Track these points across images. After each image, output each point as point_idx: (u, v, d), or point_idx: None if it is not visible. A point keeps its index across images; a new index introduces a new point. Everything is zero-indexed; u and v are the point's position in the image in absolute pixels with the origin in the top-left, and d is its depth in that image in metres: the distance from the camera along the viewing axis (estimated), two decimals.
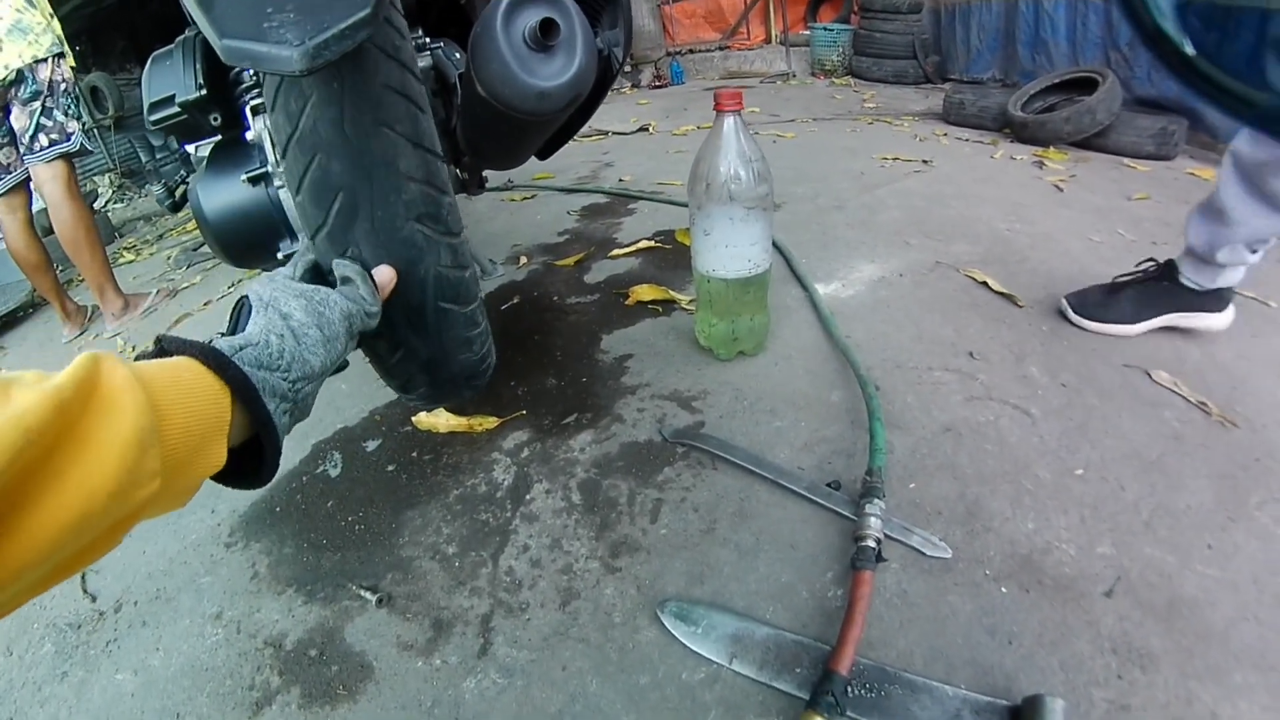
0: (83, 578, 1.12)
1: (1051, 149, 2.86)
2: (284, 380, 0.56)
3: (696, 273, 1.19)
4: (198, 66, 0.93)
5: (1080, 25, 3.82)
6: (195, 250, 3.48)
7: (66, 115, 2.29)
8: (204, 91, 0.92)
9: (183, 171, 1.30)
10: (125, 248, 4.31)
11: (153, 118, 0.93)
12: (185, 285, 2.75)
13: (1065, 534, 0.85)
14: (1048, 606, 0.76)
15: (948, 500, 0.91)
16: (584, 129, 1.38)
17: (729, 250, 1.11)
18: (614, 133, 3.74)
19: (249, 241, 0.99)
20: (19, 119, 2.24)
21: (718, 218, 1.08)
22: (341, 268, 0.73)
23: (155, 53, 1.00)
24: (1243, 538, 0.85)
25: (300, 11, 0.58)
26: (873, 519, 0.81)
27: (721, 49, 6.37)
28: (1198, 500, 0.91)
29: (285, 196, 0.96)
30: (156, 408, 0.43)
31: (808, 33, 5.68)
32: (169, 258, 3.52)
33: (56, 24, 2.24)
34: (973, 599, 0.78)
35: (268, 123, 0.90)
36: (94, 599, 1.06)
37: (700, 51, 6.40)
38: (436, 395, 0.99)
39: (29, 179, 2.35)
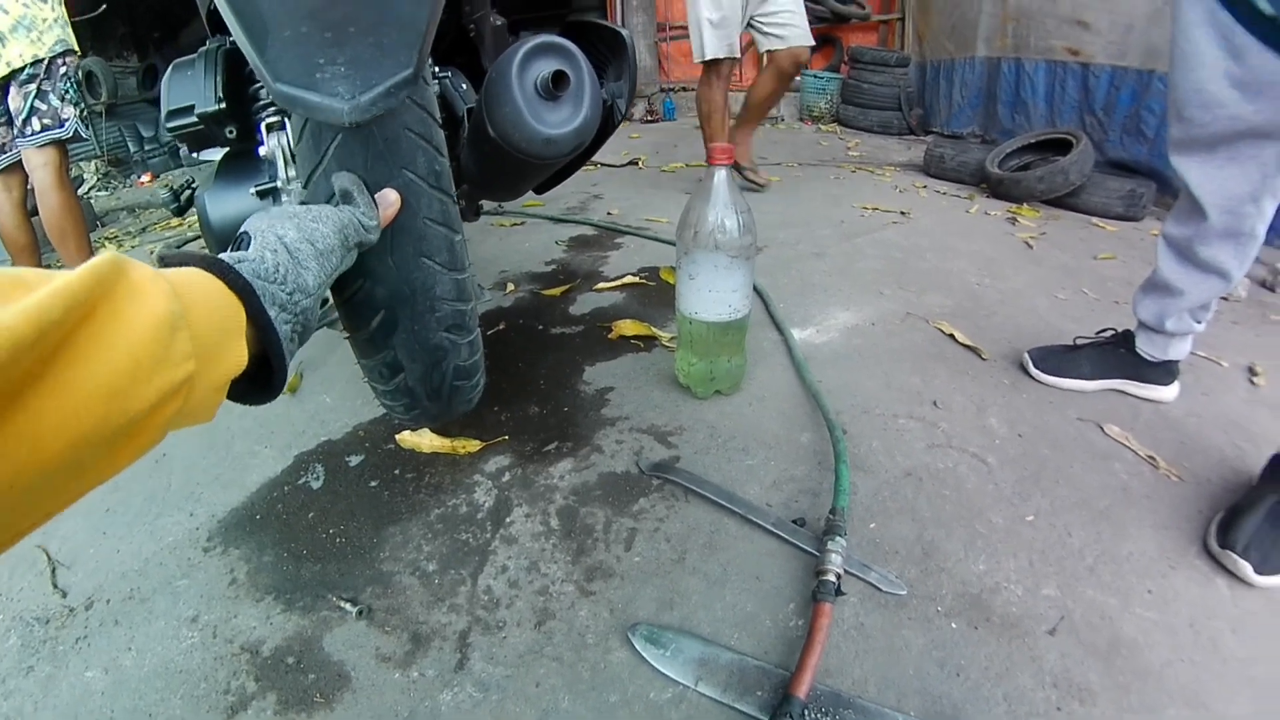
0: (52, 572, 1.12)
1: (1025, 206, 2.97)
2: (282, 291, 0.58)
3: (679, 313, 1.25)
4: (218, 80, 0.96)
5: (1058, 88, 3.98)
6: (179, 248, 3.47)
7: (63, 100, 2.23)
8: (223, 105, 0.95)
9: (189, 176, 1.32)
10: (107, 237, 4.25)
11: (170, 125, 0.96)
12: None
13: (1014, 575, 0.91)
14: (994, 642, 0.81)
15: (905, 541, 0.96)
16: None
17: (712, 295, 1.17)
18: (604, 165, 3.82)
19: None
20: (14, 99, 2.18)
21: (703, 263, 1.15)
22: (340, 179, 0.74)
23: (176, 61, 1.03)
24: (1182, 584, 0.92)
25: (351, 65, 0.63)
26: (834, 555, 0.86)
27: None
28: (1141, 548, 0.97)
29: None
30: (181, 299, 0.43)
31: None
32: (152, 252, 3.48)
33: (64, 15, 2.22)
34: (925, 633, 0.83)
35: (280, 139, 0.96)
36: (64, 594, 1.06)
37: (693, 89, 6.53)
38: (429, 416, 1.03)
39: (21, 162, 2.28)
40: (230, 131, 0.99)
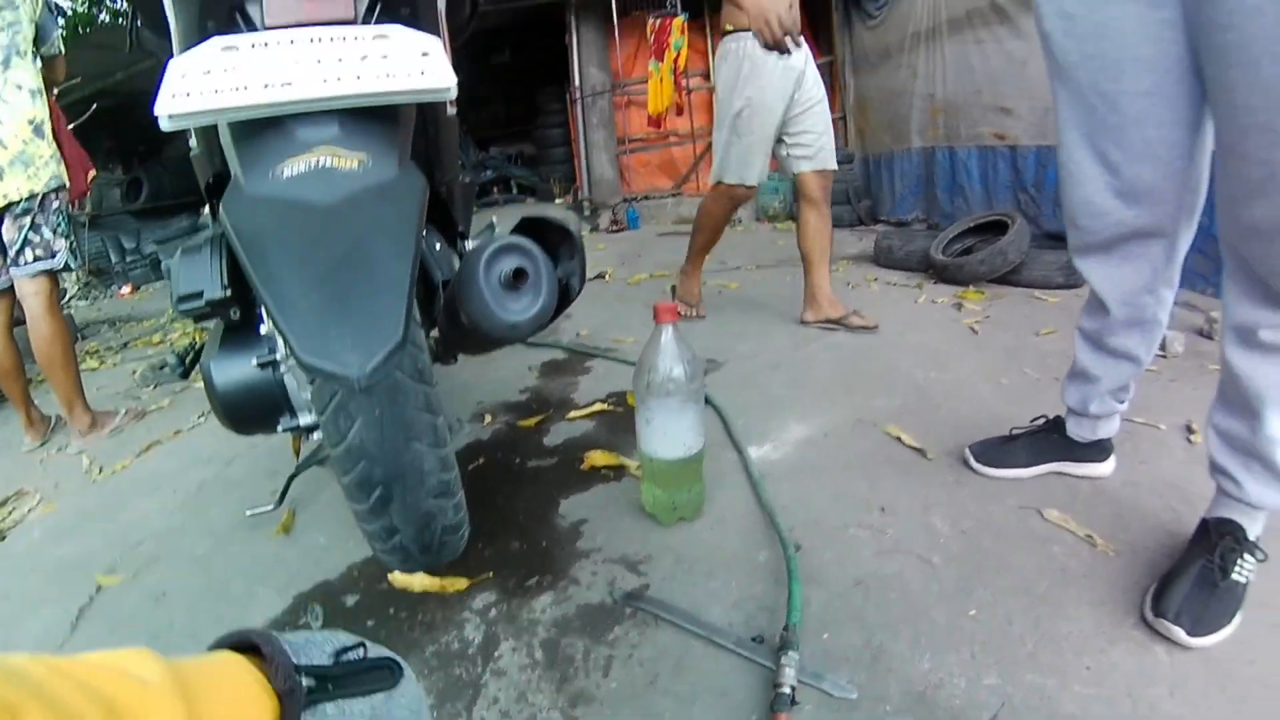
0: None
1: (970, 289, 3.14)
2: None
3: (640, 452, 1.37)
4: (223, 269, 1.09)
5: (991, 171, 4.22)
6: (160, 369, 3.46)
7: (55, 233, 2.33)
8: (229, 293, 1.08)
9: (192, 342, 1.47)
10: (89, 351, 4.33)
11: (182, 308, 1.08)
12: (154, 407, 2.79)
13: (957, 669, 0.98)
14: None
15: (855, 647, 1.04)
16: None
17: (667, 436, 1.29)
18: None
19: (255, 415, 1.18)
20: (9, 231, 2.28)
21: (657, 409, 1.28)
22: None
23: (185, 246, 1.15)
24: (1119, 656, 0.99)
25: (355, 336, 0.79)
26: (788, 669, 0.95)
27: (674, 195, 6.85)
28: (1078, 627, 1.05)
29: (290, 381, 1.15)
30: None
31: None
32: (135, 372, 3.54)
33: (58, 153, 2.34)
34: None
35: None
36: None
37: (654, 198, 6.89)
38: (421, 566, 1.15)
39: (11, 287, 2.38)
40: (234, 313, 1.13)
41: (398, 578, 1.33)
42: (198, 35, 0.94)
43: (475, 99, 9.56)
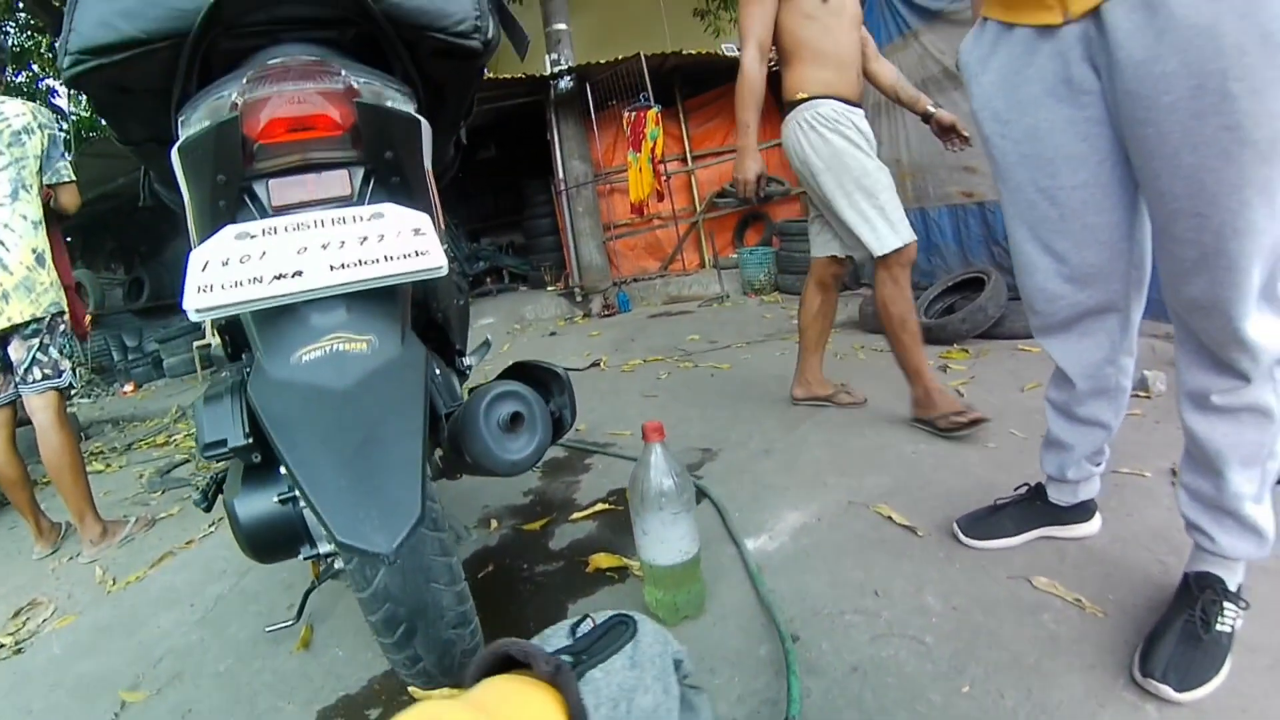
0: None
1: (954, 348, 3.23)
2: None
3: (641, 559, 1.44)
4: (244, 417, 1.17)
5: (963, 227, 4.33)
6: (167, 474, 3.57)
7: (61, 354, 2.50)
8: (250, 440, 1.15)
9: (215, 475, 1.56)
10: (93, 453, 4.42)
11: (207, 455, 1.16)
12: (163, 515, 2.86)
13: None
14: None
15: None
16: None
17: (664, 545, 1.37)
18: (570, 369, 4.11)
19: (277, 546, 1.26)
20: (17, 351, 2.45)
21: (651, 521, 1.36)
22: (693, 695, 0.78)
23: (207, 394, 1.23)
24: (1110, 719, 1.04)
25: (381, 518, 0.89)
26: None
27: (661, 276, 7.04)
28: (1069, 694, 1.09)
29: (309, 514, 1.23)
30: None
31: (736, 256, 6.37)
32: (141, 476, 3.62)
33: (58, 281, 2.51)
34: None
35: None
36: None
37: (643, 280, 7.08)
38: (443, 684, 1.23)
39: (14, 401, 2.53)
40: (256, 457, 1.20)
41: (418, 692, 1.38)
42: (210, 212, 1.06)
43: (465, 193, 9.95)
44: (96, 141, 9.27)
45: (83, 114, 12.30)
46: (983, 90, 1.24)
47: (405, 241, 1.00)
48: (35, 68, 11.55)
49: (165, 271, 10.01)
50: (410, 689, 1.38)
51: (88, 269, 9.92)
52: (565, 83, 6.86)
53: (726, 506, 1.90)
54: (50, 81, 12.04)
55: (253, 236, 0.97)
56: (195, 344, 7.66)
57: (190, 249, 1.02)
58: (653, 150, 6.09)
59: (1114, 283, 1.21)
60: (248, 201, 1.07)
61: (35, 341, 2.46)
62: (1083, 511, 1.49)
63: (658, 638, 0.70)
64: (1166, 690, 1.04)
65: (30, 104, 2.56)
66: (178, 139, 1.10)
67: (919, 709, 1.12)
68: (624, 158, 6.70)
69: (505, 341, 5.73)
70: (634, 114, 6.19)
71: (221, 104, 1.06)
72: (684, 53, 6.46)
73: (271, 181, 1.05)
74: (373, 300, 1.04)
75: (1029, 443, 2.00)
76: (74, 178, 2.61)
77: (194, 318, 0.93)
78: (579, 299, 7.15)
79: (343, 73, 1.07)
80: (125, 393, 8.13)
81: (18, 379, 2.49)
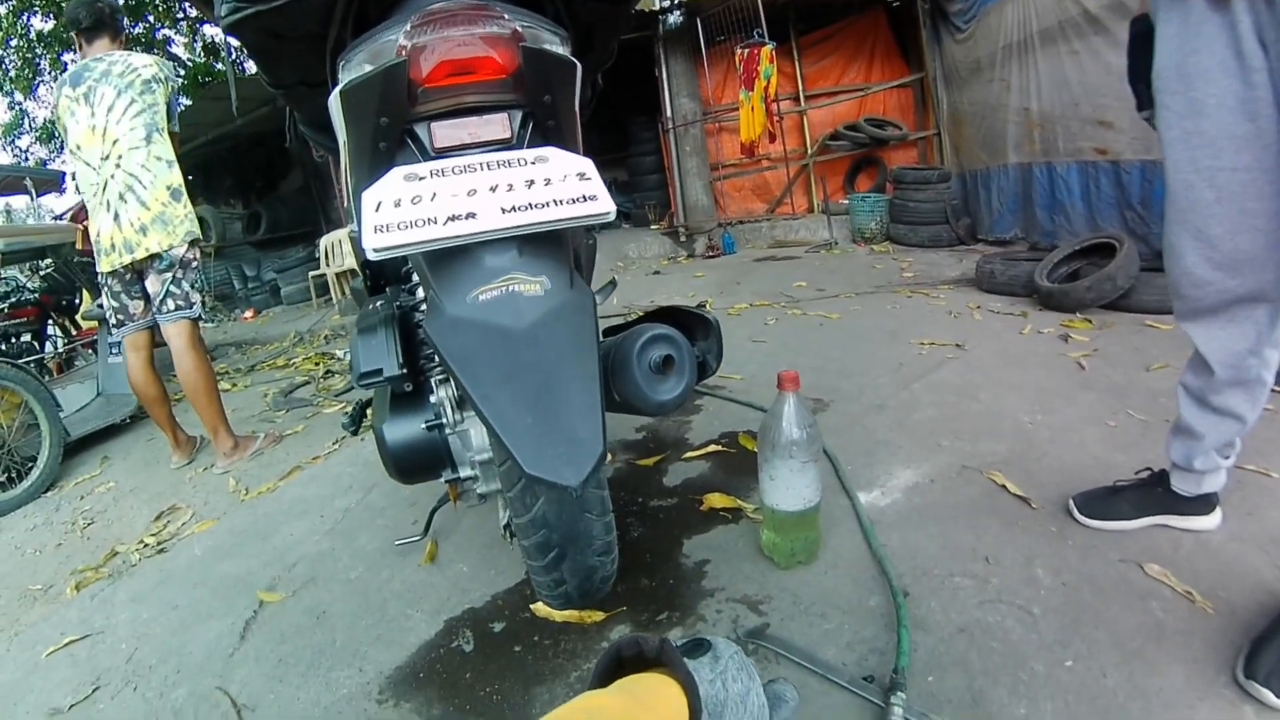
0: (238, 714, 1.38)
1: (1077, 317, 3.10)
2: None
3: (763, 504, 1.52)
4: (398, 348, 1.26)
5: (1093, 187, 4.12)
6: (289, 395, 3.91)
7: (192, 288, 2.79)
8: (404, 371, 1.26)
9: (362, 399, 1.69)
10: (219, 373, 4.70)
11: (363, 383, 1.25)
12: (289, 432, 3.15)
13: (1050, 717, 1.09)
14: None
15: (958, 690, 1.16)
16: None
17: (789, 491, 1.45)
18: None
19: (422, 469, 1.39)
20: (153, 284, 2.76)
21: (780, 468, 1.43)
22: (780, 688, 1.02)
23: (360, 324, 1.33)
24: (1207, 713, 1.06)
25: (568, 450, 0.96)
26: (896, 708, 1.09)
27: (768, 219, 6.94)
28: (1170, 682, 1.12)
29: (454, 440, 1.36)
30: None
31: (847, 202, 6.21)
32: (266, 395, 3.97)
33: (193, 213, 2.79)
34: None
35: (446, 391, 1.32)
36: None
37: (749, 222, 6.99)
38: (576, 606, 1.39)
39: (152, 327, 2.84)
40: (407, 386, 1.31)
41: (540, 608, 1.50)
42: (370, 154, 1.12)
43: None
44: (214, 85, 9.76)
45: (198, 60, 12.86)
46: (1157, 57, 1.21)
47: (572, 186, 1.04)
48: (151, 19, 12.07)
49: (281, 206, 10.69)
50: (533, 606, 1.52)
51: (209, 205, 10.68)
52: (675, 18, 6.71)
53: (839, 459, 1.95)
54: (166, 31, 12.56)
55: (421, 178, 1.02)
56: (311, 273, 8.14)
57: (334, 189, 1.09)
58: (766, 89, 5.89)
59: (1267, 272, 1.18)
60: (408, 143, 1.11)
61: (169, 275, 2.74)
62: (1204, 504, 1.47)
63: (729, 646, 0.83)
64: (1269, 695, 1.04)
65: (154, 56, 2.84)
66: (337, 83, 1.16)
67: (1021, 676, 1.18)
68: (734, 96, 6.51)
69: (614, 293, 5.70)
70: (747, 51, 5.97)
71: (385, 48, 1.10)
72: None
73: (434, 124, 1.09)
74: (542, 243, 1.08)
75: (1150, 426, 1.95)
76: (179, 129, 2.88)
77: (373, 258, 0.98)
78: (683, 239, 7.13)
79: (506, 16, 1.09)
80: (246, 318, 8.76)
81: (154, 309, 2.79)
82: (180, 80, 2.99)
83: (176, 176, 2.74)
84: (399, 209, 0.99)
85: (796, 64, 6.97)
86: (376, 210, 0.99)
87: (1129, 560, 1.41)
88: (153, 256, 2.71)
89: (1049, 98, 4.39)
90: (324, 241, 7.44)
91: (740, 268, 5.56)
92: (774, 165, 6.94)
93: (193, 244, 2.79)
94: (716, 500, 1.84)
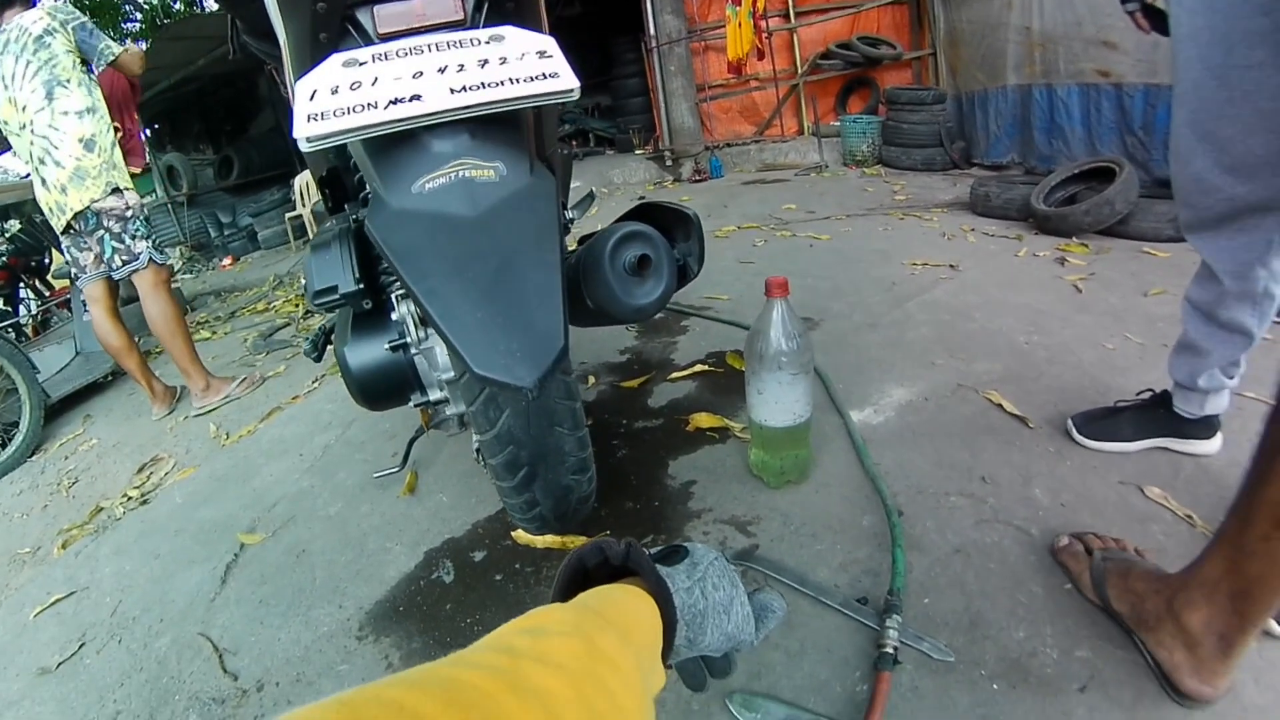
0: (220, 657, 1.35)
1: (1074, 241, 3.03)
2: (684, 635, 0.64)
3: (751, 420, 1.45)
4: (354, 263, 1.18)
5: (1094, 111, 4.02)
6: (269, 337, 3.83)
7: (134, 239, 2.67)
8: (361, 285, 1.18)
9: (325, 325, 1.60)
10: (199, 322, 4.75)
11: (317, 302, 1.18)
12: (270, 374, 3.08)
13: (1050, 640, 1.05)
14: (1031, 700, 0.97)
15: (954, 613, 1.12)
16: None
17: (778, 405, 1.37)
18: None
19: (388, 393, 1.30)
20: (94, 246, 2.67)
21: (769, 381, 1.36)
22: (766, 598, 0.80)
23: (314, 243, 1.24)
24: None
25: (522, 347, 0.87)
26: (891, 630, 1.05)
27: (757, 142, 6.73)
28: None
29: (420, 361, 1.27)
30: (634, 642, 0.53)
31: (838, 124, 6.02)
32: (245, 340, 3.88)
33: (118, 155, 2.64)
34: (970, 694, 0.99)
35: (408, 307, 1.23)
36: (235, 678, 1.29)
37: (737, 145, 6.77)
38: (554, 529, 1.30)
39: (108, 277, 2.74)
40: (366, 303, 1.22)
41: (521, 535, 1.46)
42: (310, 47, 1.00)
43: None
44: (172, 25, 9.19)
45: (153, 1, 12.10)
46: None
47: (530, 64, 0.93)
48: None
49: (252, 148, 10.27)
50: (514, 534, 1.47)
51: (178, 152, 10.25)
52: None
53: (830, 376, 1.90)
54: None
55: (361, 63, 0.92)
56: (287, 215, 7.87)
57: (290, 95, 0.97)
58: (754, 4, 5.62)
59: (1279, 178, 1.10)
60: (350, 31, 1.01)
61: (101, 233, 2.63)
62: (1206, 427, 1.42)
63: (709, 552, 0.73)
64: (1271, 624, 1.02)
65: (46, 5, 2.61)
66: None
67: (1020, 598, 1.14)
68: (721, 12, 6.21)
69: (592, 206, 5.60)
70: None
71: None
72: None
73: (377, 7, 0.98)
74: (496, 127, 0.99)
75: (1147, 349, 1.90)
76: (121, 50, 2.67)
77: (305, 147, 0.89)
78: (669, 163, 6.90)
79: None
80: (224, 266, 8.49)
81: (105, 267, 2.70)
82: (86, 16, 2.77)
83: (88, 126, 2.57)
84: (336, 96, 0.89)
85: None
86: (311, 99, 0.89)
87: (1128, 482, 1.38)
88: (78, 216, 2.60)
89: (1051, 16, 4.22)
90: (298, 181, 7.17)
91: (728, 191, 5.41)
92: (762, 85, 6.68)
93: (116, 192, 2.63)
94: (703, 420, 1.78)
